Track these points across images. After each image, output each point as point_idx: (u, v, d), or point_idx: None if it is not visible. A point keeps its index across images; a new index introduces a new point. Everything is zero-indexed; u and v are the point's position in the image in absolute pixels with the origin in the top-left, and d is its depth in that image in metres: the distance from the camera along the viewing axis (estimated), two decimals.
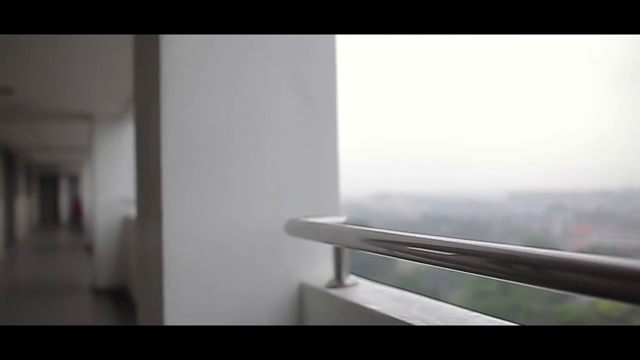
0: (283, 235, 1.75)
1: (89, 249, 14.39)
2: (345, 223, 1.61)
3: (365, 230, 1.38)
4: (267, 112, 1.75)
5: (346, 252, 1.61)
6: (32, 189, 23.01)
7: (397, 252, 1.26)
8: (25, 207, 19.32)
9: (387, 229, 1.34)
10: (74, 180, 28.62)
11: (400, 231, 1.28)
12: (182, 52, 1.66)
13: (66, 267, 12.10)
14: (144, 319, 2.24)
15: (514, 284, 0.94)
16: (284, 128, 1.77)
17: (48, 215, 27.97)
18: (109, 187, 8.48)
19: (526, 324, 1.08)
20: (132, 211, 8.24)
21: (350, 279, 1.62)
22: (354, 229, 1.43)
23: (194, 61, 1.67)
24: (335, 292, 1.57)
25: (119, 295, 8.02)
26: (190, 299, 1.68)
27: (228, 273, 1.71)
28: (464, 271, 1.05)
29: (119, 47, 5.05)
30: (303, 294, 1.75)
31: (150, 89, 1.81)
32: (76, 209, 25.40)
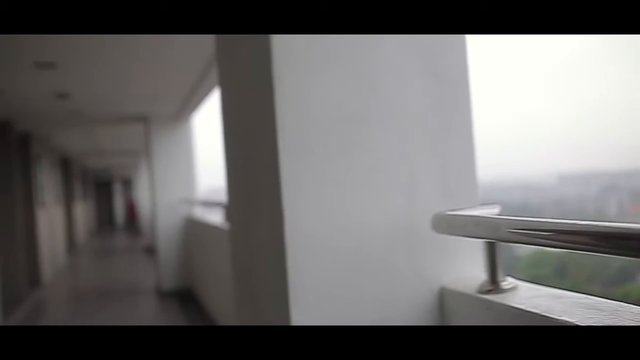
0: (417, 233, 1.51)
1: (148, 250, 14.48)
2: (500, 214, 1.36)
3: (540, 222, 1.14)
4: (393, 92, 1.52)
5: (501, 249, 1.37)
6: (88, 194, 23.40)
7: (590, 246, 1.02)
8: (82, 212, 19.61)
9: (563, 219, 1.10)
10: (128, 184, 29.04)
11: (588, 220, 1.04)
12: None
13: (128, 269, 12.15)
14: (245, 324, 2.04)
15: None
16: (413, 110, 1.53)
17: (104, 219, 28.46)
18: (167, 188, 8.40)
19: None
20: (194, 212, 8.15)
21: (508, 281, 1.37)
22: (524, 220, 1.19)
23: (310, 37, 1.45)
24: (491, 297, 1.33)
25: (184, 297, 7.94)
26: (316, 310, 1.46)
27: (356, 278, 1.49)
28: None
29: (178, 46, 4.91)
30: (444, 299, 1.52)
31: (257, 72, 1.60)
32: (131, 211, 25.72)
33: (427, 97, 1.54)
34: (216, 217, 6.66)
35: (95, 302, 8.49)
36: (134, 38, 4.42)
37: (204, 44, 4.81)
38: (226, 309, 5.54)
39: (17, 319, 7.17)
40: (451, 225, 1.36)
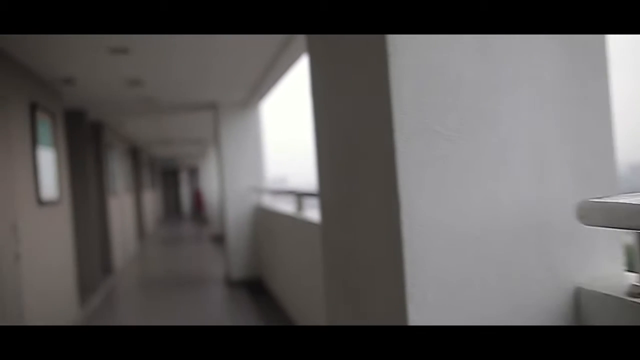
0: (549, 224, 1.31)
1: (215, 239, 14.60)
2: None
3: None
4: (520, 59, 1.31)
5: None
6: (156, 183, 23.85)
7: None
8: (151, 201, 19.99)
9: None
10: (194, 172, 29.50)
11: None
12: None
13: (196, 258, 12.26)
14: (341, 317, 1.87)
15: None
16: (542, 79, 1.32)
17: (171, 208, 29.03)
18: (236, 177, 8.35)
19: None
20: (263, 200, 8.07)
21: None
22: None
23: None
24: None
25: (254, 287, 7.88)
26: (436, 308, 1.28)
27: (480, 274, 1.29)
28: None
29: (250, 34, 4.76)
30: (581, 301, 1.30)
31: (366, 45, 1.41)
32: (197, 200, 26.10)
33: (558, 62, 1.33)
34: (287, 206, 6.55)
35: (166, 290, 8.55)
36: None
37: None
38: (298, 300, 5.42)
39: (91, 306, 7.26)
40: (609, 216, 1.14)
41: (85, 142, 8.29)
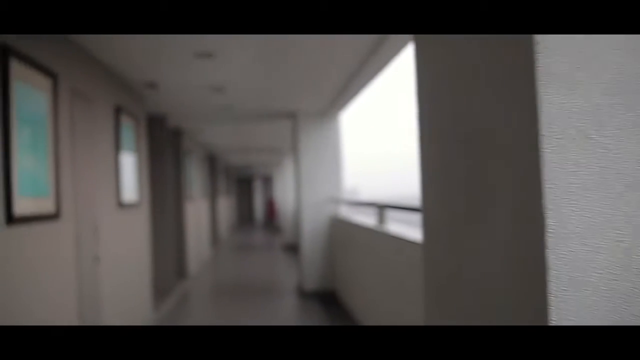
0: None
1: (288, 248, 14.56)
2: None
3: None
4: None
5: None
6: (230, 190, 24.15)
7: None
8: (225, 207, 20.21)
9: None
10: (268, 181, 29.74)
11: None
12: None
13: (268, 266, 12.21)
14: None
15: None
16: None
17: (244, 215, 29.33)
18: (314, 186, 8.23)
19: None
20: (340, 211, 7.91)
21: None
22: None
23: None
24: None
25: (327, 299, 7.72)
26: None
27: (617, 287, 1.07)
28: None
29: (338, 42, 4.64)
30: None
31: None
32: (270, 209, 26.25)
33: None
34: (364, 218, 6.36)
35: (238, 297, 8.50)
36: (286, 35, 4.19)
37: (364, 39, 4.51)
38: (375, 315, 5.21)
39: (165, 309, 7.28)
40: None
41: (164, 147, 8.37)
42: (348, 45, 5.01)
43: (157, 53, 4.78)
